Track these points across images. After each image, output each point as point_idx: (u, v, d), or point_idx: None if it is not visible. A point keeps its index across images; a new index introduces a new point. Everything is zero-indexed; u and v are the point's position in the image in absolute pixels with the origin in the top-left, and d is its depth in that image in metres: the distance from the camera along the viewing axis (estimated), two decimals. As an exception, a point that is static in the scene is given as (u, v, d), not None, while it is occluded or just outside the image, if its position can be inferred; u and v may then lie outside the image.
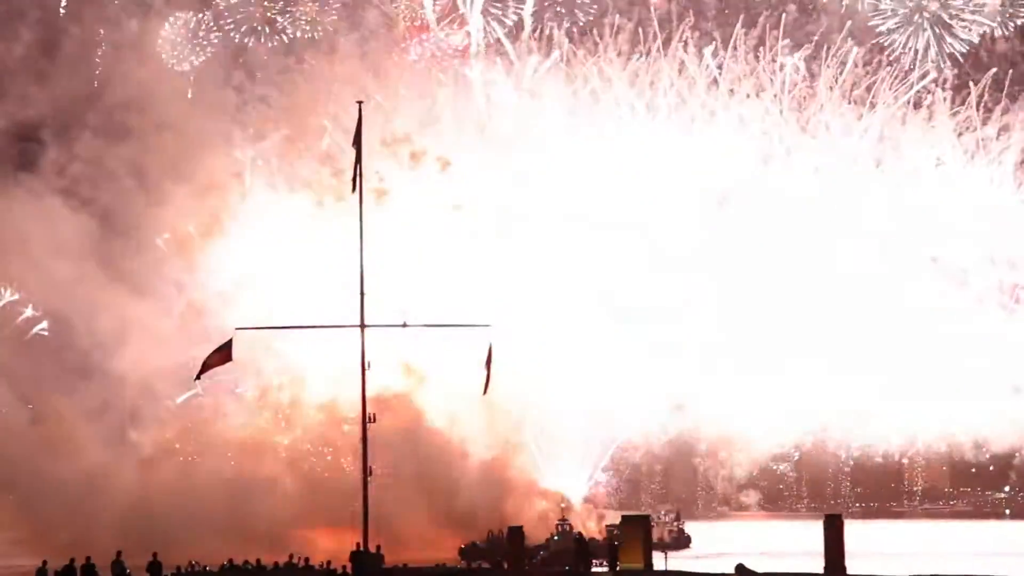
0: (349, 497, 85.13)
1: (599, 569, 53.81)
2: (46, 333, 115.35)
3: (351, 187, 62.11)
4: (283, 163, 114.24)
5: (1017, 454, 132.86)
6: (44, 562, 56.25)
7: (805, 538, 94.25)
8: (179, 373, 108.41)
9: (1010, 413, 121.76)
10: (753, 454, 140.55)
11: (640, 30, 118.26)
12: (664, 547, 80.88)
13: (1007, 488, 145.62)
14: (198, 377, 61.13)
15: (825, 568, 54.16)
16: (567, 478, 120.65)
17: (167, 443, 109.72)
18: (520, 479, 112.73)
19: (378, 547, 57.85)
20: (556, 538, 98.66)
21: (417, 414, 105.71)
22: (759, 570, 52.66)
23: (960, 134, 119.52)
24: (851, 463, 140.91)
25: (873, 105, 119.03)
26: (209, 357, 58.23)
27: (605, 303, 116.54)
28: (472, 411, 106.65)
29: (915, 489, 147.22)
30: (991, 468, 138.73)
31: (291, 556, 62.48)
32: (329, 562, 57.90)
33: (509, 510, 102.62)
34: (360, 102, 64.22)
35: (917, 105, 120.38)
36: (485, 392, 60.81)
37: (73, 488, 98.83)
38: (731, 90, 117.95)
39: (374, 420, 58.39)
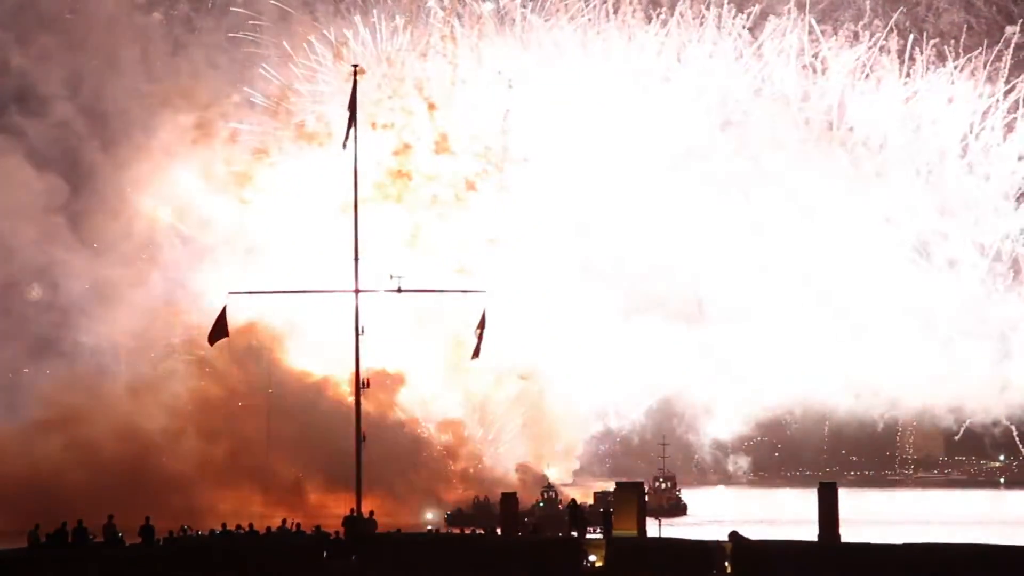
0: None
1: (593, 536, 53.59)
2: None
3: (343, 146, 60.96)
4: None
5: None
6: (36, 526, 55.71)
7: (800, 506, 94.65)
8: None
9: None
10: (742, 421, 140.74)
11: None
12: (661, 514, 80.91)
13: (1001, 457, 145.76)
14: (211, 343, 60.68)
15: (819, 536, 54.01)
16: (555, 446, 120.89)
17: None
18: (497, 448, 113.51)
19: (371, 512, 57.55)
20: (541, 504, 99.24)
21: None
22: (753, 537, 52.50)
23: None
24: (844, 431, 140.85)
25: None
26: (217, 326, 57.52)
27: (587, 267, 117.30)
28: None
29: (909, 458, 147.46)
30: (985, 437, 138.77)
31: (284, 521, 62.38)
32: (319, 527, 57.53)
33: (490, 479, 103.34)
34: (355, 66, 63.31)
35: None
36: (475, 357, 60.37)
37: None
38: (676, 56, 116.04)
39: (368, 386, 57.87)
